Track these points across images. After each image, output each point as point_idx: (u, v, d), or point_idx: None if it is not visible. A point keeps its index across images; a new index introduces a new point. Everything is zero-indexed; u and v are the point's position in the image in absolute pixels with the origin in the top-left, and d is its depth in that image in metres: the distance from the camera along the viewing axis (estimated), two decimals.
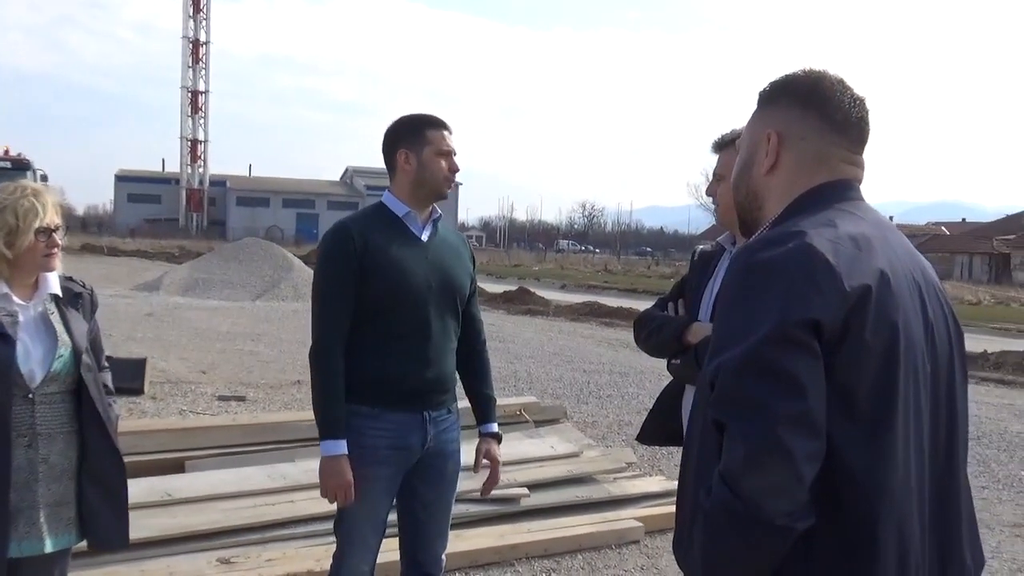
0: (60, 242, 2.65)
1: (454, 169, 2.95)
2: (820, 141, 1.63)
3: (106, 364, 2.90)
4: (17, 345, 2.55)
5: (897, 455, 1.45)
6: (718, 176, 2.67)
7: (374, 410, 2.86)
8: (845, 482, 1.41)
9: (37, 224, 2.56)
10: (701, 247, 2.92)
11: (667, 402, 2.83)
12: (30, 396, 2.56)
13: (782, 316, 1.38)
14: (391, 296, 2.84)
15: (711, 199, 2.75)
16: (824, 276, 1.41)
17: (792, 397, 1.36)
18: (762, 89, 1.72)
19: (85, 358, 2.65)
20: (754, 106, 1.73)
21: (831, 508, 1.40)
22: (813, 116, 1.63)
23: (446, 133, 2.94)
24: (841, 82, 1.65)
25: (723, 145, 2.69)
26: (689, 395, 2.65)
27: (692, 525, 1.52)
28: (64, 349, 2.62)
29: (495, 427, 3.16)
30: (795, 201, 1.62)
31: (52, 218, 2.61)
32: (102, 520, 2.68)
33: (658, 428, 2.87)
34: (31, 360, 2.57)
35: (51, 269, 2.66)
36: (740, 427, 1.37)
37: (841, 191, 1.63)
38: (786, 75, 1.69)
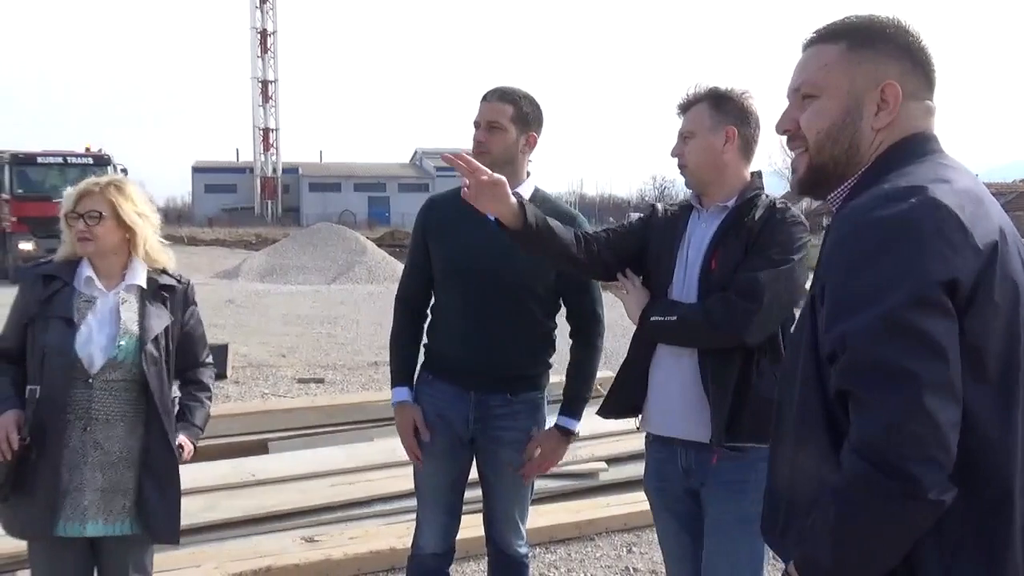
0: (90, 227, 2.64)
1: (476, 139, 2.88)
2: (925, 95, 1.57)
3: (208, 360, 2.93)
4: (81, 329, 2.61)
5: None
6: (685, 135, 2.55)
7: (429, 377, 3.01)
8: (979, 449, 1.33)
9: (63, 211, 2.70)
10: (664, 205, 2.75)
11: (635, 371, 2.62)
12: (89, 381, 2.60)
13: (921, 276, 1.30)
14: (443, 271, 2.93)
15: (677, 159, 2.58)
16: (957, 233, 1.34)
17: (936, 362, 1.28)
18: (842, 27, 1.59)
19: (151, 349, 2.65)
20: (821, 46, 1.60)
21: (964, 480, 1.32)
22: (920, 71, 1.56)
23: (482, 104, 2.89)
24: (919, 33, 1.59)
25: (689, 105, 2.57)
26: (662, 360, 2.54)
27: (791, 507, 1.47)
28: (126, 338, 2.64)
29: (565, 421, 2.97)
30: (887, 153, 1.54)
31: (81, 205, 2.66)
32: (154, 511, 2.67)
33: (626, 400, 2.67)
34: (91, 345, 2.62)
35: (85, 253, 2.70)
36: (882, 397, 1.29)
37: (934, 143, 1.56)
38: (873, 19, 1.58)
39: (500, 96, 2.88)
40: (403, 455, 3.17)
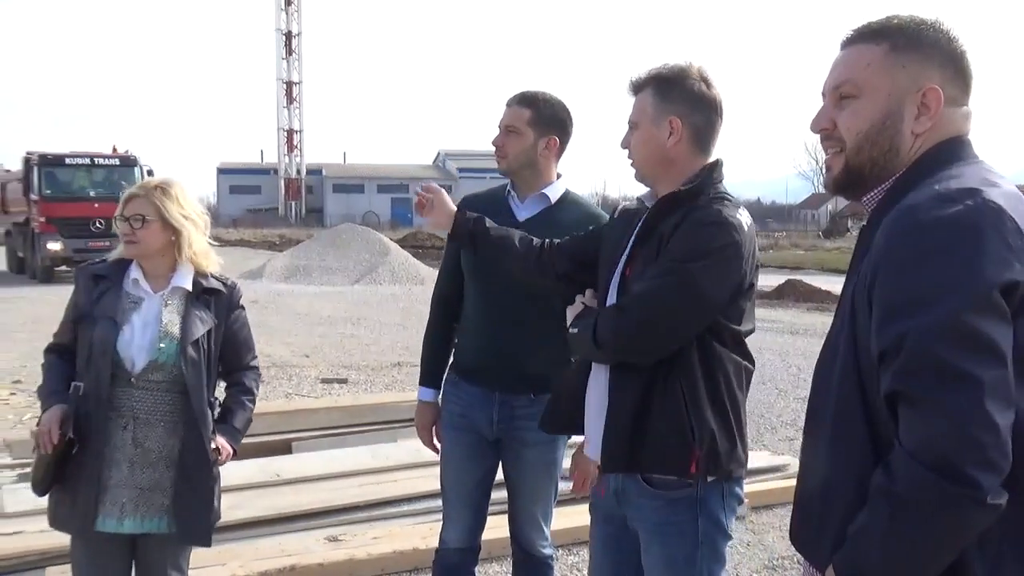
0: (134, 231, 2.69)
1: (493, 143, 2.94)
2: (963, 101, 1.56)
3: (252, 363, 2.95)
4: (125, 331, 2.65)
5: None
6: (631, 125, 2.32)
7: (455, 378, 3.03)
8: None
9: (116, 214, 2.75)
10: (624, 204, 2.58)
11: (569, 386, 2.47)
12: (132, 381, 2.64)
13: (981, 278, 1.29)
14: (470, 271, 2.96)
15: (627, 151, 2.36)
16: (1015, 236, 1.33)
17: (996, 366, 1.28)
18: (886, 28, 1.57)
19: (191, 352, 2.68)
20: (865, 44, 1.58)
21: (1009, 481, 1.30)
22: (960, 77, 1.55)
23: (505, 108, 2.94)
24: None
25: (636, 90, 2.31)
26: (592, 377, 2.36)
27: (827, 511, 1.46)
28: (167, 341, 2.68)
29: None
30: (927, 155, 1.53)
31: (128, 208, 2.71)
32: (187, 512, 2.69)
33: (562, 415, 2.51)
34: (133, 346, 2.66)
35: (130, 255, 2.75)
36: (942, 399, 1.28)
37: (970, 148, 1.55)
38: (918, 21, 1.56)
39: (519, 100, 2.92)
40: (427, 455, 3.21)
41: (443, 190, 2.77)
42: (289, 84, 71.60)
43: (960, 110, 1.55)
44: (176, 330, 2.70)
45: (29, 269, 22.69)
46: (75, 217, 20.53)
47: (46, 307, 15.45)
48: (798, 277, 20.30)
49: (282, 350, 10.84)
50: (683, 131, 2.24)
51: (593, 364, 2.34)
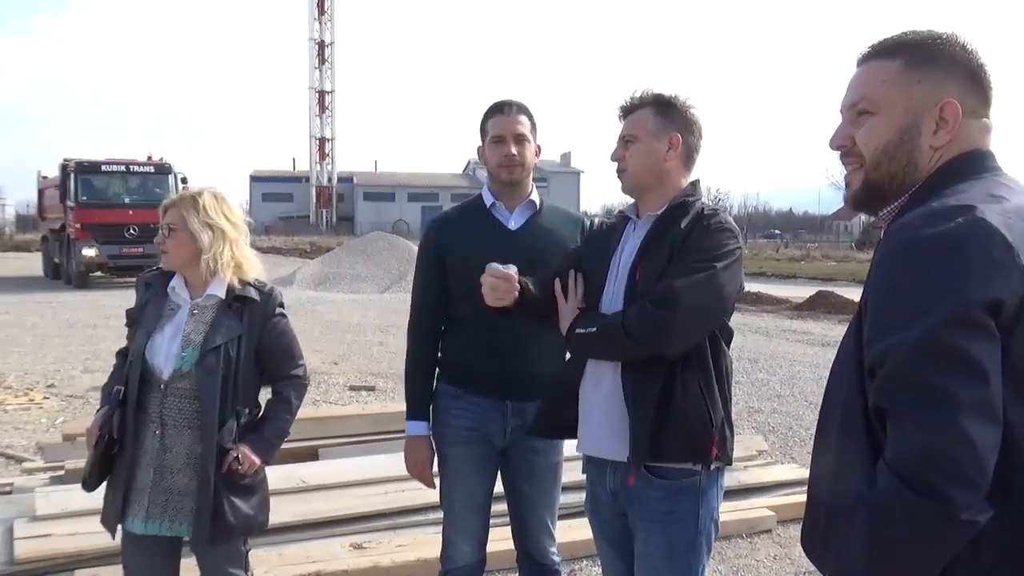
0: (165, 240, 2.77)
1: (506, 154, 2.89)
2: (983, 113, 1.55)
3: (295, 373, 2.92)
4: (155, 338, 2.72)
5: None
6: (626, 139, 2.47)
7: (458, 391, 2.96)
8: (1021, 471, 1.31)
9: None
10: (600, 219, 2.75)
11: (565, 387, 2.55)
12: (162, 387, 2.69)
13: (963, 296, 1.29)
14: (466, 283, 2.83)
15: (617, 163, 2.52)
16: (1002, 253, 1.32)
17: (975, 383, 1.27)
18: (900, 43, 1.58)
19: (209, 360, 2.68)
20: (882, 61, 1.59)
21: (1004, 500, 1.30)
22: (978, 89, 1.54)
23: (501, 118, 2.91)
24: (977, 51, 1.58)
25: (631, 109, 2.49)
26: (589, 376, 2.46)
27: (831, 518, 1.45)
28: (189, 349, 2.71)
29: None
30: (941, 170, 1.52)
31: (165, 218, 2.79)
32: (197, 519, 2.71)
33: (555, 418, 2.58)
34: (161, 354, 2.71)
35: (165, 266, 2.83)
36: (918, 416, 1.29)
37: (990, 161, 1.54)
38: (933, 35, 1.57)
39: (519, 109, 2.93)
40: None
41: (511, 270, 2.53)
42: (321, 93, 72.17)
43: (979, 123, 1.55)
44: (199, 338, 2.72)
45: (64, 275, 23.06)
46: (110, 224, 20.85)
47: (80, 312, 15.69)
48: (830, 288, 20.11)
49: (311, 357, 10.89)
50: (680, 148, 2.45)
51: (591, 363, 2.46)
